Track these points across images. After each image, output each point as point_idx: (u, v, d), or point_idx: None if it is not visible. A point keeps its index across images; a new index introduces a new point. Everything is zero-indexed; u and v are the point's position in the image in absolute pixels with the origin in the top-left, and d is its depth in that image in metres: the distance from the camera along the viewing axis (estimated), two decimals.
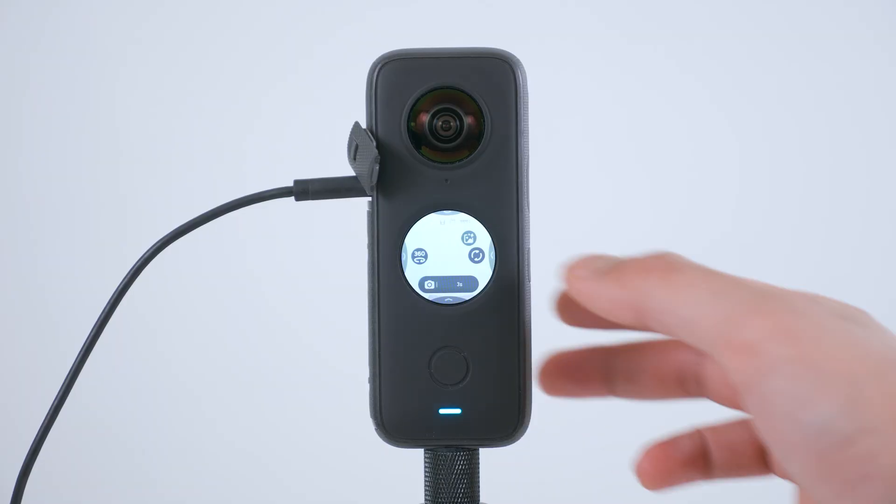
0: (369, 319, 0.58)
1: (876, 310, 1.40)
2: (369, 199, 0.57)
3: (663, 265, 0.48)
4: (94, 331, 0.58)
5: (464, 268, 0.57)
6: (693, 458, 0.53)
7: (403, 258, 0.57)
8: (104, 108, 1.38)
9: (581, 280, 0.50)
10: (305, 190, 0.57)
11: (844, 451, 0.42)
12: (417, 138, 0.57)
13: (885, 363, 0.43)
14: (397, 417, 0.57)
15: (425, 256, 0.57)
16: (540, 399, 0.58)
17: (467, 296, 0.57)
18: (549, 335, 0.58)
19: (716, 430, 0.53)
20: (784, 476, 0.49)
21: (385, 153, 0.57)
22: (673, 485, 0.53)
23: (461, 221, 0.57)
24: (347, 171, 0.57)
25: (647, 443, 0.54)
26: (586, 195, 1.39)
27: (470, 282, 0.57)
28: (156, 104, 1.38)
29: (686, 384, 0.54)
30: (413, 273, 0.57)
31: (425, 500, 0.58)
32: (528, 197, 0.57)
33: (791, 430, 0.43)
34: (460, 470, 0.58)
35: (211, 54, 1.38)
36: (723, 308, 0.45)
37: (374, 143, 0.56)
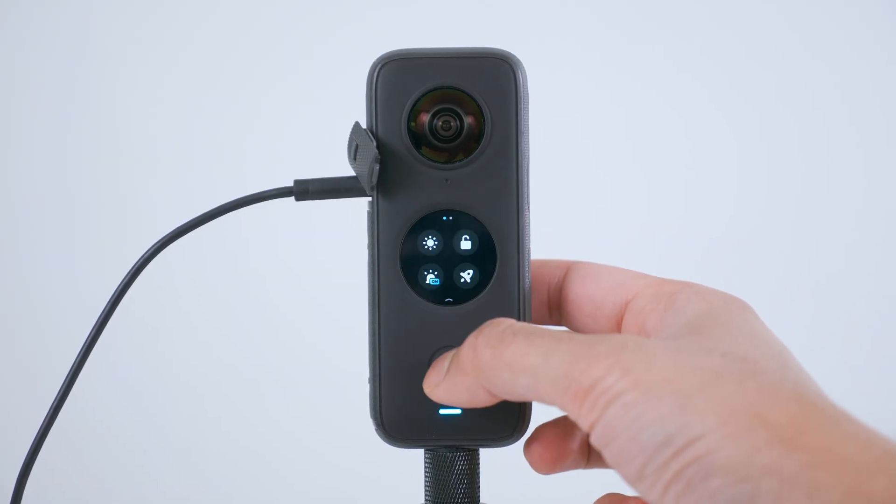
0: (369, 319, 0.58)
1: (874, 307, 1.39)
2: (369, 199, 0.57)
3: (489, 341, 0.51)
4: (94, 330, 0.58)
5: (464, 268, 0.57)
6: (582, 444, 0.57)
7: (403, 258, 0.57)
8: (104, 108, 1.38)
9: (436, 388, 0.54)
10: (305, 190, 0.57)
11: (681, 458, 0.44)
12: (418, 138, 0.57)
13: (712, 375, 0.46)
14: (397, 417, 0.57)
15: (425, 256, 0.57)
16: (537, 408, 0.58)
17: (467, 296, 0.57)
18: None
19: None
20: None
21: (385, 153, 0.57)
22: (562, 470, 0.57)
23: (461, 221, 0.57)
24: (347, 171, 0.57)
25: (538, 426, 0.57)
26: (586, 195, 1.39)
27: (470, 282, 0.57)
28: (156, 104, 1.38)
29: None
30: (413, 273, 0.57)
31: (425, 500, 0.58)
32: (528, 197, 0.57)
33: (635, 451, 0.45)
34: (460, 470, 0.58)
35: (211, 54, 1.38)
36: (556, 366, 0.48)
37: (375, 143, 0.56)
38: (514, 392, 0.51)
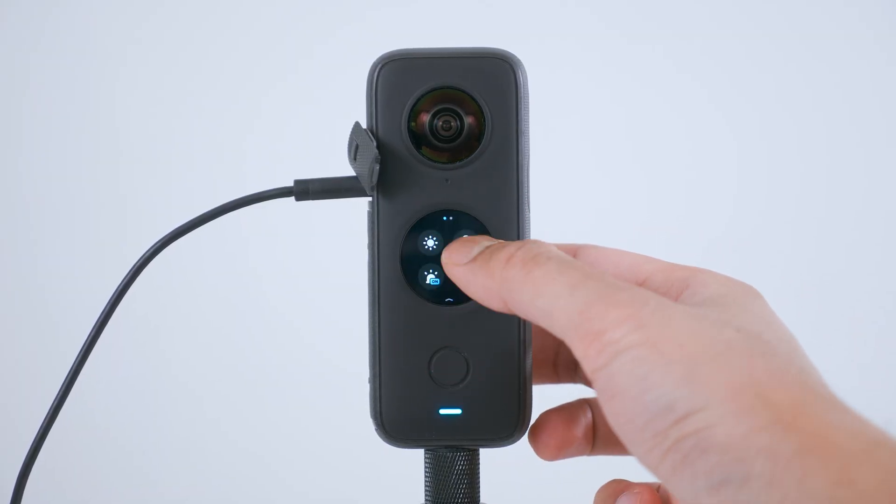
0: (369, 319, 0.58)
1: (876, 305, 1.39)
2: (370, 199, 0.57)
3: (525, 257, 0.51)
4: (94, 330, 0.58)
5: None
6: (584, 426, 0.57)
7: (404, 258, 0.57)
8: (104, 108, 1.38)
9: (455, 266, 0.54)
10: (306, 190, 0.57)
11: (681, 428, 0.44)
12: (418, 138, 0.57)
13: (724, 347, 0.46)
14: (397, 418, 0.57)
15: (426, 256, 0.57)
16: (540, 399, 0.58)
17: (467, 296, 0.57)
18: None
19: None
20: None
21: (385, 153, 0.56)
22: (566, 457, 0.57)
23: (461, 221, 0.57)
24: (348, 171, 0.57)
25: (543, 412, 0.58)
26: (586, 195, 1.39)
27: None
28: (156, 104, 1.38)
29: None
30: (413, 273, 0.57)
31: (425, 500, 0.58)
32: (528, 197, 0.57)
33: (634, 411, 0.45)
34: (460, 470, 0.58)
35: (211, 54, 1.38)
36: (577, 301, 0.48)
37: (375, 143, 0.56)
38: (528, 311, 0.51)
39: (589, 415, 0.59)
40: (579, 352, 0.48)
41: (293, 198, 0.57)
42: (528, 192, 0.57)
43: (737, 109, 1.39)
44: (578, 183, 1.39)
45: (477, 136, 0.57)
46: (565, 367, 0.61)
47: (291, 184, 0.57)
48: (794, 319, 1.46)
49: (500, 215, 0.57)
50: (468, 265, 0.54)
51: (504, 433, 0.57)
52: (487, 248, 0.54)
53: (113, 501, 1.39)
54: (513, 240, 0.57)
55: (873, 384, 1.40)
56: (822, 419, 0.44)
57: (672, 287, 0.54)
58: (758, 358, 0.46)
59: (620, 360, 0.46)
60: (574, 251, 0.59)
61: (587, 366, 0.47)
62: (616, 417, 0.46)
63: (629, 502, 0.57)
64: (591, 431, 0.58)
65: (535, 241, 0.53)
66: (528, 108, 0.57)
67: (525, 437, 0.58)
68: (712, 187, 1.40)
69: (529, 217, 0.58)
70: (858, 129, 1.40)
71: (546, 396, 0.60)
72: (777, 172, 1.40)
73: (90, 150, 1.38)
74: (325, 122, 1.31)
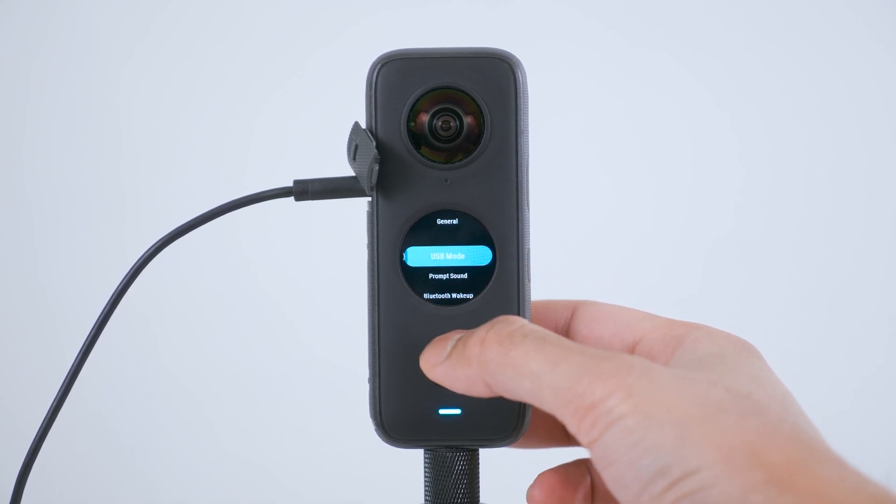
0: (369, 319, 0.57)
1: (882, 310, 1.39)
2: (369, 199, 0.57)
3: (499, 336, 0.51)
4: (93, 330, 0.58)
5: (463, 268, 0.57)
6: (582, 487, 0.57)
7: (403, 258, 0.57)
8: (105, 108, 1.38)
9: (434, 367, 0.54)
10: (305, 190, 0.57)
11: (676, 490, 0.45)
12: (417, 138, 0.57)
13: (714, 408, 0.46)
14: (397, 418, 0.57)
15: (425, 257, 0.57)
16: (537, 460, 0.59)
17: (467, 296, 0.57)
18: None
19: None
20: None
21: (385, 153, 0.56)
22: None
23: (461, 221, 0.57)
24: (347, 171, 0.57)
25: (541, 473, 0.58)
26: (587, 195, 1.39)
27: (470, 282, 0.57)
28: (157, 105, 1.38)
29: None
30: (413, 273, 0.57)
31: (425, 500, 0.58)
32: (528, 197, 0.57)
33: (631, 478, 0.46)
34: (460, 470, 0.58)
35: (212, 55, 1.38)
36: (562, 377, 0.48)
37: (374, 143, 0.56)
38: (515, 393, 0.51)
39: (587, 477, 0.58)
40: (572, 427, 0.48)
41: (293, 198, 0.57)
42: (527, 192, 0.57)
43: (740, 110, 1.39)
44: (581, 184, 1.39)
45: (476, 137, 0.57)
46: None
47: (291, 184, 0.57)
48: (799, 320, 1.46)
49: (500, 215, 0.57)
50: (445, 362, 0.54)
51: (503, 433, 0.57)
52: (459, 339, 0.54)
53: (112, 501, 1.38)
54: (512, 242, 0.57)
55: (879, 388, 1.39)
56: (819, 475, 0.44)
57: (668, 345, 0.54)
58: (749, 417, 0.46)
59: (613, 431, 0.46)
60: (573, 308, 0.59)
61: (582, 439, 0.48)
62: (614, 484, 0.47)
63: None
64: (590, 492, 0.58)
65: (506, 319, 0.53)
66: (527, 108, 0.57)
67: (526, 443, 0.58)
68: (716, 189, 1.39)
69: (529, 217, 0.57)
70: (864, 132, 1.40)
71: (544, 459, 0.61)
72: (782, 174, 1.40)
73: (91, 150, 1.38)
74: (325, 122, 1.30)
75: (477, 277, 0.57)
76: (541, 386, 0.49)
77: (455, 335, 0.55)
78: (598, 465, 0.47)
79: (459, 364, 0.53)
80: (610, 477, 0.47)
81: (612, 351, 0.50)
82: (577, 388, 0.48)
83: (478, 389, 0.53)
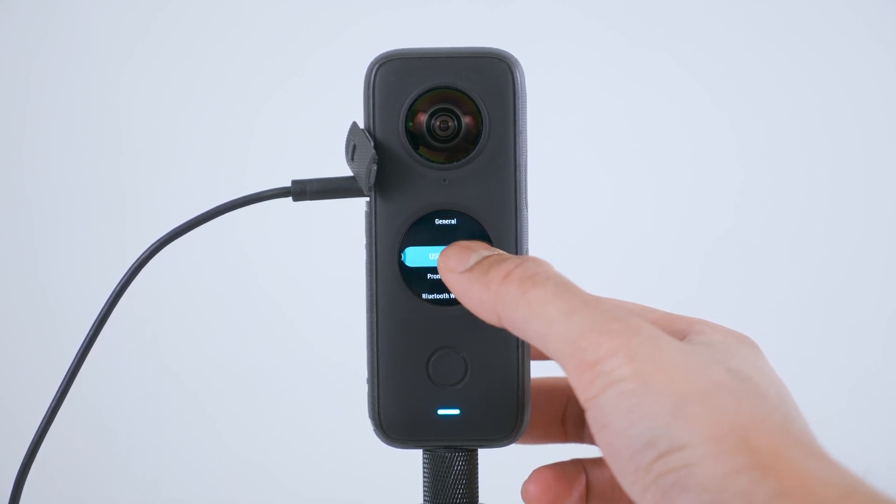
0: (367, 320, 0.57)
1: (880, 309, 1.39)
2: (367, 199, 0.57)
3: (523, 276, 0.51)
4: (92, 330, 0.58)
5: None
6: (577, 486, 0.57)
7: (401, 258, 0.57)
8: (105, 108, 1.38)
9: (451, 273, 0.54)
10: (303, 190, 0.57)
11: (663, 464, 0.45)
12: (415, 138, 0.57)
13: (713, 386, 0.46)
14: (396, 418, 0.57)
15: (423, 257, 0.57)
16: (535, 456, 0.59)
17: None
18: None
19: (597, 462, 0.58)
20: None
21: (383, 153, 0.56)
22: None
23: (459, 222, 0.57)
24: (345, 171, 0.57)
25: (536, 469, 0.58)
26: (585, 195, 1.39)
27: None
28: (156, 105, 1.38)
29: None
30: (411, 273, 0.57)
31: (424, 500, 0.58)
32: (526, 197, 0.57)
33: (621, 443, 0.46)
34: (459, 470, 0.58)
35: (212, 56, 1.38)
36: (572, 327, 0.48)
37: (372, 143, 0.56)
38: (523, 331, 0.51)
39: (583, 476, 0.59)
40: (573, 379, 0.48)
41: (291, 198, 0.57)
42: (526, 192, 0.57)
43: (739, 109, 1.39)
44: (580, 183, 1.39)
45: (475, 137, 0.57)
46: (573, 424, 0.61)
47: (289, 184, 0.57)
48: (797, 320, 1.46)
49: (498, 215, 0.57)
50: (464, 274, 0.53)
51: (502, 433, 0.57)
52: (485, 258, 0.53)
53: (112, 500, 1.39)
54: (510, 242, 0.57)
55: (877, 385, 1.40)
56: (801, 465, 0.44)
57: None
58: (745, 400, 0.46)
59: (610, 392, 0.46)
60: None
61: (579, 394, 0.48)
62: (605, 448, 0.47)
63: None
64: (585, 492, 0.58)
65: (534, 259, 0.53)
66: (525, 107, 0.57)
67: (524, 438, 0.58)
68: (715, 188, 1.39)
69: (527, 217, 0.57)
70: (863, 132, 1.40)
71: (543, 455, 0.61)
72: (779, 174, 1.40)
73: (91, 150, 1.38)
74: (324, 122, 1.30)
75: None
76: (550, 331, 0.49)
77: (481, 249, 0.54)
78: (593, 426, 0.47)
79: (477, 284, 0.52)
80: (602, 440, 0.47)
81: (626, 312, 0.49)
82: (583, 342, 0.48)
83: (487, 314, 0.52)
